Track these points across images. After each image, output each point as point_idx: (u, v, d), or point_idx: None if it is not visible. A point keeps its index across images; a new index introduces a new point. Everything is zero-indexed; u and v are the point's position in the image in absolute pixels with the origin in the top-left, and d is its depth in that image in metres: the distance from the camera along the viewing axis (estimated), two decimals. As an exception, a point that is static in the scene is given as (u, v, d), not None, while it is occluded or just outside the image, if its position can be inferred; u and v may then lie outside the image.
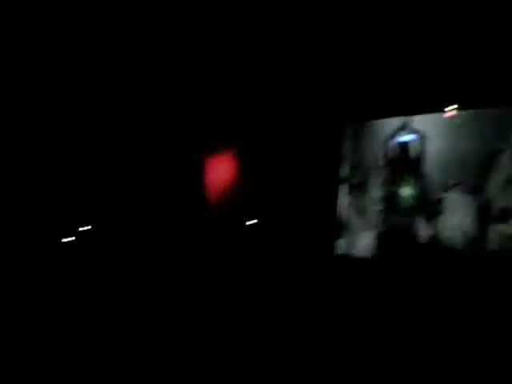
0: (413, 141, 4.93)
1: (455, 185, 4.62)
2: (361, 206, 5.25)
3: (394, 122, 5.02)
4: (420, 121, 4.87)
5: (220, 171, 5.70)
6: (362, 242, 5.18)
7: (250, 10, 4.28)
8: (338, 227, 5.24)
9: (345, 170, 5.33)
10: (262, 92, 5.28)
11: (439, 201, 4.70)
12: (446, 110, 4.59)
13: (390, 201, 5.08)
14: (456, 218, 4.65)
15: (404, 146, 5.01)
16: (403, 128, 4.97)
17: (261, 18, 4.41)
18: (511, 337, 3.61)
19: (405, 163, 4.99)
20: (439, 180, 4.75)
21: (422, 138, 4.86)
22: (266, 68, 5.04)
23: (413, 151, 4.93)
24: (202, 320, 4.42)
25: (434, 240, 4.70)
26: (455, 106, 4.54)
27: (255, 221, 5.32)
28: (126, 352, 3.99)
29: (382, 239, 5.03)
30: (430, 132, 4.83)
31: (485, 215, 4.43)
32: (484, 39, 4.17)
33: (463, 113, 4.58)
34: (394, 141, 5.05)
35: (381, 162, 5.13)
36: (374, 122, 5.15)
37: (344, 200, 5.33)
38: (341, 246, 5.21)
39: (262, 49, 4.80)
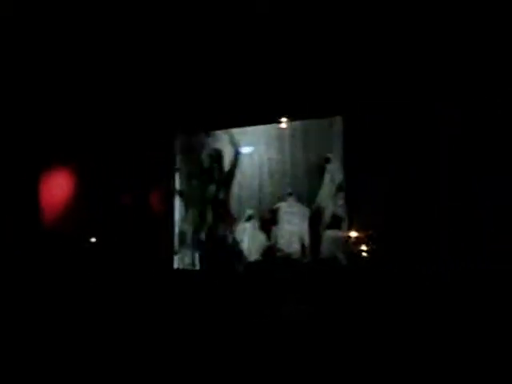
0: (228, 152, 5.11)
1: (289, 194, 4.83)
2: (192, 219, 5.28)
3: (217, 134, 5.17)
4: (244, 133, 5.02)
5: (54, 187, 5.40)
6: (196, 255, 5.21)
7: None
8: (174, 241, 5.25)
9: (178, 182, 5.36)
10: (94, 105, 5.25)
11: (274, 210, 4.89)
12: (276, 121, 4.78)
13: (216, 211, 5.15)
14: (291, 226, 4.81)
15: (216, 156, 5.18)
16: (217, 140, 5.15)
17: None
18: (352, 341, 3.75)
19: (219, 174, 5.16)
20: (273, 190, 4.92)
21: (238, 149, 5.06)
22: (96, 82, 5.09)
23: (227, 162, 5.11)
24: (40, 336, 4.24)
25: (271, 248, 4.88)
26: (284, 117, 4.73)
27: (93, 238, 5.17)
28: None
29: (215, 250, 5.10)
30: (260, 143, 4.98)
31: (317, 222, 4.72)
32: (308, 54, 4.36)
33: (292, 124, 4.80)
34: (207, 152, 5.23)
35: (198, 173, 5.27)
36: (202, 134, 5.25)
37: (179, 213, 5.31)
38: (177, 259, 5.22)
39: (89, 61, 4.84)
